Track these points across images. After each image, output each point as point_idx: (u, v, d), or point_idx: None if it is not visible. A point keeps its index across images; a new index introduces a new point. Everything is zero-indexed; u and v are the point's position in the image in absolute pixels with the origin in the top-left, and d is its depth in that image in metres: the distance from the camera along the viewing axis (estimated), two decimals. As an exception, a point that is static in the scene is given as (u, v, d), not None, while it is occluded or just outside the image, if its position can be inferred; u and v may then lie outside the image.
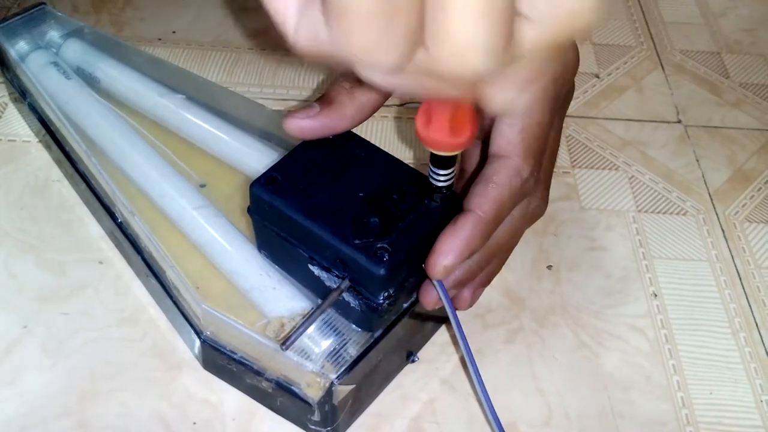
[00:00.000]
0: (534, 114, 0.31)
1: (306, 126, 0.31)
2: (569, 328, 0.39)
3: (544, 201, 0.34)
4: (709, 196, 0.46)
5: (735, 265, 0.42)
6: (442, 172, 0.29)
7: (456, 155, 0.28)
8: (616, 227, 0.44)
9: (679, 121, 0.51)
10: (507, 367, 0.37)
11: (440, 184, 0.29)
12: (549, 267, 0.41)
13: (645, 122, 0.50)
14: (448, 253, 0.29)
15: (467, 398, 0.36)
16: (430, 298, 0.31)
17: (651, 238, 0.43)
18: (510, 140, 0.30)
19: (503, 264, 0.34)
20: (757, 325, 0.39)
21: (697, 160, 0.48)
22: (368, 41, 0.18)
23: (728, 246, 0.43)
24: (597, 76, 0.53)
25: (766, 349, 0.38)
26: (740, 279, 0.42)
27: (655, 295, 0.41)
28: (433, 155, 0.28)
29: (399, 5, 0.17)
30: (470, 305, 0.33)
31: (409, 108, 0.49)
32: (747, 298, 0.41)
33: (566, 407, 0.36)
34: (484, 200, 0.29)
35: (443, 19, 0.17)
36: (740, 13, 0.60)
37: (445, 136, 0.25)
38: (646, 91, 0.53)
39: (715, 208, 0.45)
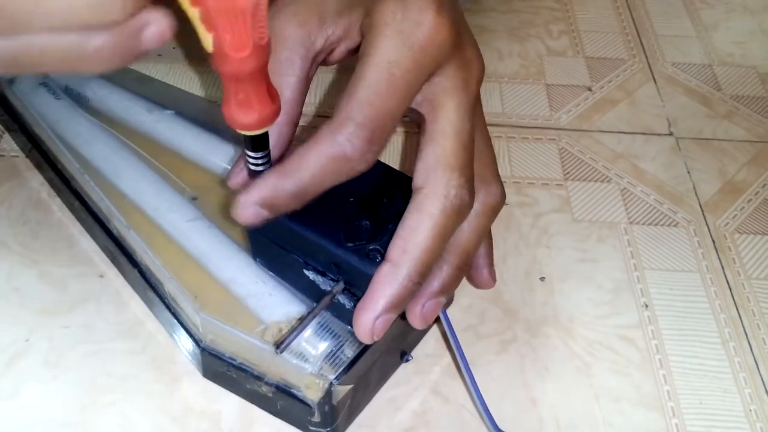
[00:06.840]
0: (454, 124, 0.29)
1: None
2: (561, 338, 0.39)
3: (501, 190, 0.32)
4: (700, 207, 0.47)
5: (725, 276, 0.43)
6: (257, 154, 0.29)
7: (266, 134, 0.29)
8: (608, 239, 0.44)
9: (671, 134, 0.51)
10: (499, 378, 0.38)
11: (259, 169, 0.30)
12: (542, 278, 0.42)
13: (637, 134, 0.51)
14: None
15: (459, 409, 0.36)
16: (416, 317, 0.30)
17: (642, 250, 0.44)
18: (437, 156, 0.29)
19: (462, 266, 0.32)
20: (746, 334, 0.40)
21: (689, 172, 0.49)
22: None
23: (719, 257, 0.44)
24: (590, 89, 0.54)
25: (755, 359, 0.39)
26: (730, 289, 0.42)
27: (646, 306, 0.41)
28: (246, 139, 0.28)
29: None
30: (428, 319, 0.31)
31: (403, 121, 0.50)
32: (737, 308, 0.41)
33: (558, 417, 0.36)
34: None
35: None
36: (731, 26, 0.61)
37: (252, 114, 0.26)
38: (639, 104, 0.53)
39: (705, 220, 0.46)
